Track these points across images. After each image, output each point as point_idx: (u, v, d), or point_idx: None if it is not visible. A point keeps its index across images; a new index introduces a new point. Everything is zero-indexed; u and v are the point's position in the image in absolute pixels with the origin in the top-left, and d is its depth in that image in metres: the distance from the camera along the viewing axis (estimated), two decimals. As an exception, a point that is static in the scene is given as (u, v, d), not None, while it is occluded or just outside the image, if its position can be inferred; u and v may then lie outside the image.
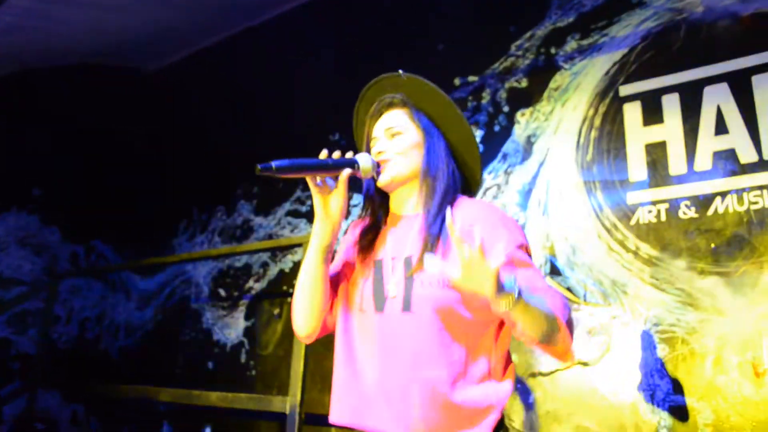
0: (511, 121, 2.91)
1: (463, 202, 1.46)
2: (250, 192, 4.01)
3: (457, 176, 1.50)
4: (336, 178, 1.43)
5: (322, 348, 3.18)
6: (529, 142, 2.83)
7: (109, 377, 4.37)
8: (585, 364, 2.42)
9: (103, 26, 4.00)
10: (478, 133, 3.00)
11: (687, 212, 2.36)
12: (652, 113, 2.54)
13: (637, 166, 2.52)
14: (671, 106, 2.51)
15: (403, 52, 3.38)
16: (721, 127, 2.38)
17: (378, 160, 1.48)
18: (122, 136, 4.73)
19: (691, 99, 2.46)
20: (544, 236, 2.67)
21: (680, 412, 2.18)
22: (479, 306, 1.31)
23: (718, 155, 2.36)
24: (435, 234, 1.37)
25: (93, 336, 4.61)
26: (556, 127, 2.77)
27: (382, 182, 1.48)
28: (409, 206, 1.51)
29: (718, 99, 2.41)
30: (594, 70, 2.73)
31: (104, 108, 4.62)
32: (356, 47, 3.56)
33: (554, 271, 2.60)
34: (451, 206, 1.42)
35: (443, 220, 1.38)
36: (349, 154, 1.45)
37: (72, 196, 4.52)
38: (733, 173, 2.31)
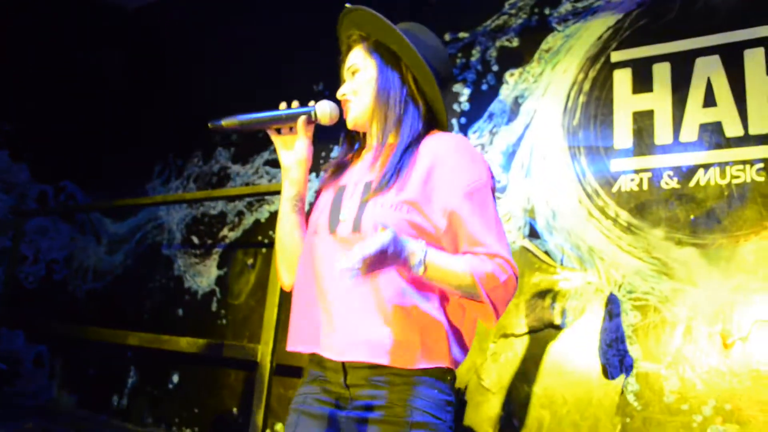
0: (499, 81, 2.87)
1: (431, 136, 1.44)
2: (227, 139, 3.93)
3: (417, 106, 1.46)
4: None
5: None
6: (517, 104, 2.79)
7: (76, 320, 4.31)
8: (557, 327, 2.43)
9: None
10: (465, 92, 2.95)
11: (669, 182, 2.36)
12: (642, 81, 2.52)
13: (623, 134, 2.50)
14: (661, 75, 2.49)
15: (395, 4, 3.28)
16: (709, 100, 2.37)
17: (342, 101, 1.51)
18: (99, 73, 4.57)
19: (681, 69, 2.45)
20: (525, 199, 2.66)
21: (647, 379, 2.21)
22: (433, 236, 1.32)
23: (704, 127, 2.35)
24: (391, 166, 1.36)
25: (60, 278, 4.53)
26: (544, 90, 2.74)
27: (348, 124, 1.52)
28: (376, 134, 1.51)
29: (708, 71, 2.40)
30: (587, 34, 2.69)
31: (82, 42, 4.45)
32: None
33: (533, 234, 2.59)
34: (417, 137, 1.42)
35: (402, 150, 1.39)
36: (311, 103, 1.50)
37: (43, 134, 4.38)
38: (718, 146, 2.31)
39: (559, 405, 2.35)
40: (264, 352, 2.53)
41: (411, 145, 1.40)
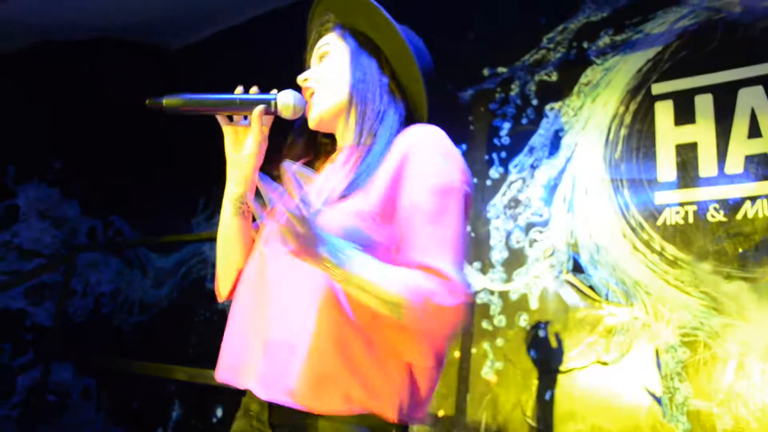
0: (539, 115, 2.88)
1: (408, 129, 1.24)
2: (270, 173, 4.00)
3: (398, 102, 1.29)
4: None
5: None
6: (557, 137, 2.80)
7: (123, 353, 4.40)
8: (604, 363, 2.40)
9: (129, 1, 3.99)
10: (505, 126, 2.97)
11: (715, 215, 2.33)
12: (684, 113, 2.50)
13: (666, 166, 2.48)
14: (704, 106, 2.47)
15: (433, 38, 3.33)
16: (754, 131, 2.34)
17: (303, 88, 1.30)
18: (144, 112, 4.72)
19: (724, 100, 2.42)
20: (568, 233, 2.65)
21: (699, 417, 2.16)
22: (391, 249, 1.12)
23: (750, 159, 2.32)
24: (363, 170, 1.16)
25: (108, 311, 4.64)
26: (585, 123, 2.74)
27: (311, 123, 1.30)
28: (347, 133, 1.30)
29: (752, 102, 2.37)
30: (626, 67, 2.69)
31: (126, 83, 4.61)
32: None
33: (577, 269, 2.57)
34: (395, 134, 1.23)
35: (378, 153, 1.18)
36: (273, 91, 1.26)
37: (92, 171, 4.54)
38: (765, 178, 2.27)
39: (608, 443, 2.31)
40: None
41: (387, 147, 1.19)
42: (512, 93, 2.99)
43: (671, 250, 2.38)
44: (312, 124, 1.30)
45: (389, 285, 1.02)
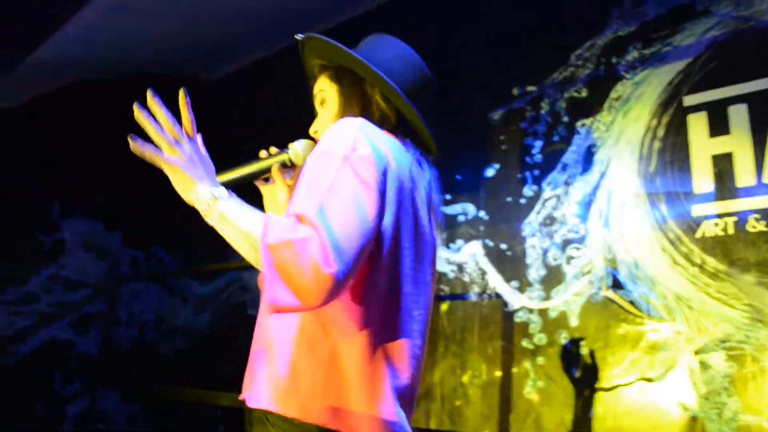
0: (570, 132, 2.88)
1: None
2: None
3: (382, 123, 1.29)
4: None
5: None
6: (590, 153, 2.80)
7: (167, 380, 4.48)
8: (648, 380, 2.37)
9: (164, 35, 4.12)
10: (537, 144, 2.98)
11: (756, 225, 2.30)
12: (718, 124, 2.48)
13: (702, 178, 2.46)
14: (738, 116, 2.45)
15: (461, 60, 3.38)
16: (791, 139, 2.31)
17: (315, 137, 1.38)
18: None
19: (759, 109, 2.40)
20: (605, 249, 2.64)
21: (749, 432, 2.12)
22: None
23: (789, 167, 2.29)
24: None
25: (151, 339, 4.73)
26: (617, 138, 2.73)
27: None
28: None
29: (788, 109, 2.35)
30: (657, 80, 2.68)
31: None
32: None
33: (616, 285, 2.56)
34: None
35: None
36: (291, 145, 1.38)
37: (133, 203, 4.66)
38: (806, 186, 2.24)
39: (656, 461, 2.28)
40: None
41: None
42: (542, 111, 3.01)
43: (712, 263, 2.35)
44: None
45: (250, 227, 1.08)
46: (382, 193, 1.10)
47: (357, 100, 1.32)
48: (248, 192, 1.36)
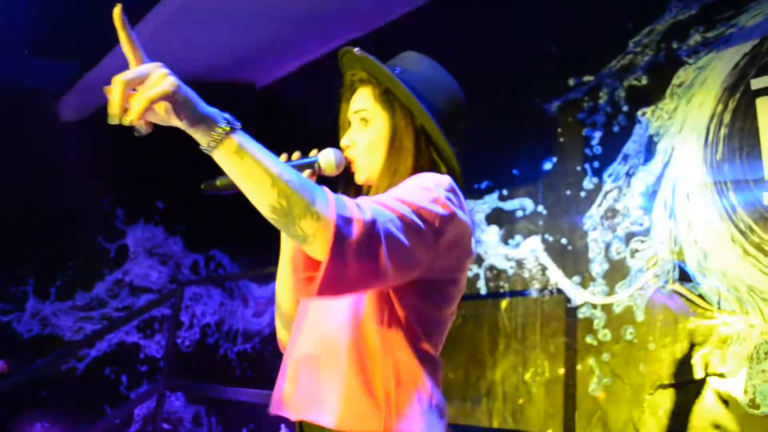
0: (631, 121, 2.80)
1: None
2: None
3: (424, 161, 1.25)
4: None
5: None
6: (652, 142, 2.71)
7: (229, 381, 4.56)
8: (721, 376, 2.28)
9: (215, 42, 4.20)
10: (596, 135, 2.90)
11: (835, 212, 2.18)
12: (789, 107, 2.36)
13: (774, 164, 2.35)
14: (811, 97, 2.33)
15: (515, 55, 3.33)
16: None
17: (346, 157, 1.29)
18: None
19: (834, 89, 2.28)
20: (671, 240, 2.55)
21: (834, 430, 2.01)
22: None
23: None
24: None
25: (213, 341, 4.83)
26: (681, 126, 2.64)
27: (359, 181, 1.31)
28: (379, 186, 1.28)
29: None
30: (721, 64, 2.57)
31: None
32: (462, 55, 3.53)
33: (684, 277, 2.47)
34: None
35: None
36: (313, 153, 1.28)
37: (192, 208, 4.77)
38: None
39: (733, 460, 2.18)
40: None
41: None
42: (601, 101, 2.93)
43: (787, 253, 2.24)
44: (361, 182, 1.31)
45: (288, 172, 0.91)
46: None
47: (408, 140, 1.25)
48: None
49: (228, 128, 0.88)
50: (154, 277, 4.54)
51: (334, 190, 1.17)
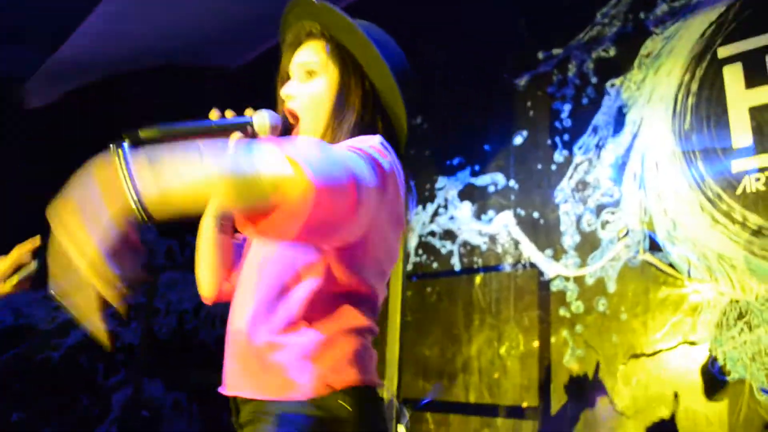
0: (600, 93, 2.79)
1: None
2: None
3: (373, 126, 1.22)
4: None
5: (415, 334, 3.18)
6: (621, 113, 2.70)
7: (209, 366, 4.54)
8: (692, 343, 2.30)
9: (186, 24, 4.11)
10: (566, 108, 2.90)
11: (800, 178, 2.20)
12: (756, 74, 2.36)
13: (741, 132, 2.36)
14: (777, 65, 2.33)
15: (482, 26, 3.30)
16: (835, 85, 2.20)
17: (286, 107, 1.24)
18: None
19: (799, 56, 2.29)
20: (641, 211, 2.56)
21: (801, 392, 2.04)
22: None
23: (833, 115, 2.18)
24: None
25: (191, 327, 4.79)
26: (649, 96, 2.64)
27: None
28: None
29: (830, 54, 2.23)
30: (688, 33, 2.57)
31: (193, 107, 4.76)
32: (429, 31, 3.50)
33: (654, 247, 2.48)
34: None
35: None
36: (248, 112, 1.22)
37: (165, 194, 4.71)
38: None
39: (703, 427, 2.21)
40: (390, 390, 2.55)
41: None
42: (570, 74, 2.92)
43: (754, 219, 2.26)
44: None
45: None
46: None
47: (357, 96, 1.21)
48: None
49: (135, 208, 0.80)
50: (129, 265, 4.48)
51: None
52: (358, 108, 1.21)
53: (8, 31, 3.73)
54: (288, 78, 1.29)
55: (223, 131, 1.19)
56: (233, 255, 1.40)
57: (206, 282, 1.41)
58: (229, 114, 1.22)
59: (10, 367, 3.75)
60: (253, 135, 1.20)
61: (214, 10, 3.96)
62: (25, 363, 3.99)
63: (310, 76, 1.24)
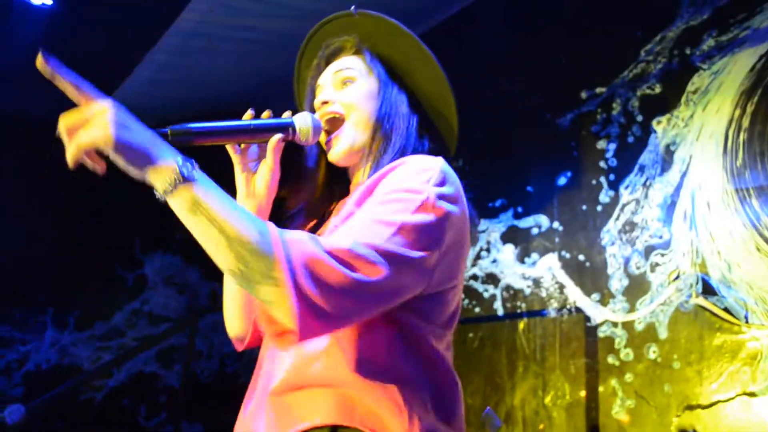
0: (646, 131, 2.70)
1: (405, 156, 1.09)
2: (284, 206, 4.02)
3: (422, 135, 1.16)
4: (265, 147, 1.11)
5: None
6: (669, 152, 2.61)
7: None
8: (752, 394, 2.14)
9: (235, 72, 4.22)
10: (611, 147, 2.81)
11: None
12: (812, 108, 2.25)
13: (798, 169, 2.24)
14: (835, 98, 2.22)
15: (524, 67, 3.27)
16: None
17: (323, 114, 1.14)
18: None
19: None
20: (693, 252, 2.43)
21: None
22: None
23: None
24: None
25: (233, 371, 4.78)
26: (698, 133, 2.54)
27: (334, 157, 1.14)
28: (363, 173, 1.14)
29: None
30: (737, 68, 2.48)
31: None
32: (472, 72, 3.49)
33: (708, 290, 2.34)
34: None
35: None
36: (286, 114, 1.12)
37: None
38: None
39: (768, 486, 2.03)
40: None
41: None
42: (614, 112, 2.84)
43: (817, 261, 2.11)
44: (335, 158, 1.15)
45: (248, 222, 0.82)
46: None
47: (401, 102, 1.15)
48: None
49: (181, 178, 0.81)
50: (172, 307, 4.53)
51: (305, 175, 1.14)
52: (406, 113, 1.14)
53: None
54: (313, 95, 1.21)
55: (261, 132, 1.10)
56: None
57: (234, 318, 1.25)
58: (266, 114, 1.13)
59: (54, 407, 3.79)
60: (294, 137, 1.12)
61: (257, 57, 4.05)
62: (69, 403, 4.04)
63: (345, 85, 1.16)
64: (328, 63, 1.20)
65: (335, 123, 1.14)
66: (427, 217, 0.93)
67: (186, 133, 1.00)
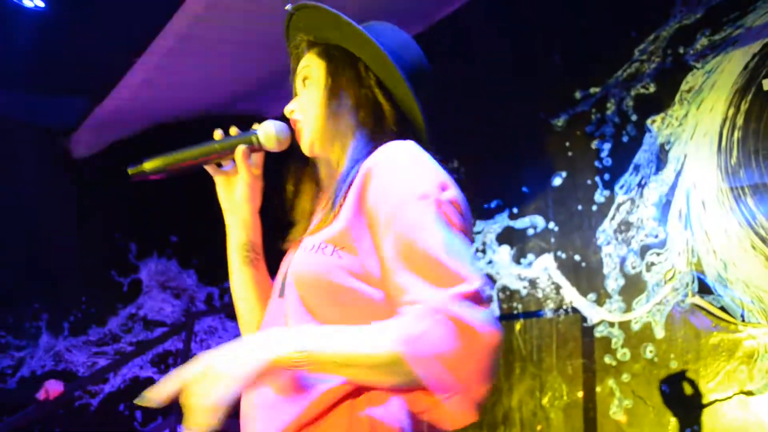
0: (640, 130, 2.70)
1: (378, 149, 1.05)
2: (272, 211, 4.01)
3: (378, 114, 1.11)
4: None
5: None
6: (663, 151, 2.60)
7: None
8: (749, 393, 2.13)
9: (226, 75, 4.22)
10: (605, 147, 2.81)
11: None
12: (805, 106, 2.26)
13: (793, 167, 2.24)
14: (828, 95, 2.22)
15: (519, 68, 3.27)
16: None
17: (291, 121, 1.16)
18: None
19: None
20: (689, 251, 2.43)
21: None
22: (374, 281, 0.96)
23: None
24: (335, 197, 1.03)
25: (229, 375, 4.76)
26: (692, 132, 2.54)
27: (305, 152, 1.17)
28: (335, 162, 1.13)
29: None
30: (730, 66, 2.48)
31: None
32: (465, 72, 3.49)
33: (704, 290, 2.34)
34: (362, 155, 1.06)
35: (342, 179, 1.05)
36: (255, 126, 1.15)
37: (205, 242, 4.76)
38: None
39: (766, 485, 2.03)
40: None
41: (356, 166, 1.05)
42: (608, 112, 2.84)
43: (812, 259, 2.11)
44: (306, 152, 1.17)
45: (376, 343, 0.84)
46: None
47: (349, 82, 1.12)
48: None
49: (299, 355, 0.83)
50: (167, 311, 4.50)
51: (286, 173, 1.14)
52: (353, 86, 1.12)
53: (57, 84, 3.89)
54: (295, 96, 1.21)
55: (228, 149, 1.14)
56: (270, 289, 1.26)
57: (247, 326, 1.24)
58: (233, 131, 1.16)
59: (49, 412, 3.76)
60: (260, 146, 1.14)
61: (250, 60, 4.05)
62: (64, 408, 4.01)
63: (305, 85, 1.16)
64: (297, 65, 1.21)
65: (298, 123, 1.16)
66: (452, 220, 0.94)
67: (159, 162, 1.07)
